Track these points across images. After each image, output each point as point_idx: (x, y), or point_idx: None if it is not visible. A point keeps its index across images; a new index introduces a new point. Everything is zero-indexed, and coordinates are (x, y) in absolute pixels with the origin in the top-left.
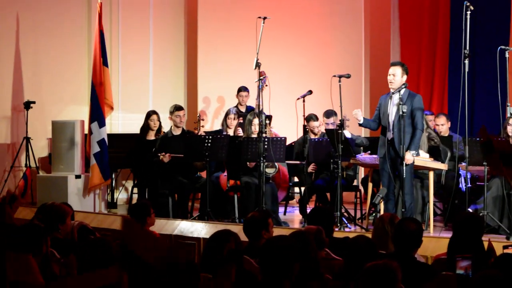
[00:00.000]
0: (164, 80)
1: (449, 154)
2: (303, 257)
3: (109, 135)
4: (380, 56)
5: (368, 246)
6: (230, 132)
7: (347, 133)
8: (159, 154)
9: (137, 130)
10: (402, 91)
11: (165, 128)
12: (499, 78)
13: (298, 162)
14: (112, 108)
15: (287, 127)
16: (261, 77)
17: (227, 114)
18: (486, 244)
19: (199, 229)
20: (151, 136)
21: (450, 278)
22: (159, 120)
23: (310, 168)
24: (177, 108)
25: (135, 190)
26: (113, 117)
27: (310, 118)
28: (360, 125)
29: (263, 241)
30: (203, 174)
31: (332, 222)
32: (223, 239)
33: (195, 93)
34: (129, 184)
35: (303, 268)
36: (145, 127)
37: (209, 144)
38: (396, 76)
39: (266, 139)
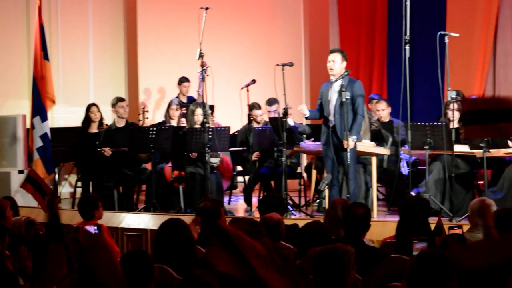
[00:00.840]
0: (105, 72)
1: (390, 139)
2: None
3: (51, 129)
4: (320, 44)
5: (321, 232)
6: (173, 123)
7: (290, 121)
8: (101, 149)
9: (79, 124)
10: (344, 78)
11: (108, 121)
12: (439, 63)
13: (242, 148)
14: (54, 102)
15: (231, 117)
16: (204, 67)
17: (169, 105)
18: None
19: (145, 220)
20: (94, 128)
21: (400, 260)
22: (99, 112)
23: (254, 156)
24: (119, 99)
25: (79, 184)
26: (54, 111)
27: (253, 106)
28: (306, 118)
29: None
30: (148, 166)
31: (283, 209)
32: (175, 228)
33: (136, 85)
34: (73, 178)
35: None
36: (86, 120)
37: (153, 136)
38: (336, 63)
39: (210, 129)
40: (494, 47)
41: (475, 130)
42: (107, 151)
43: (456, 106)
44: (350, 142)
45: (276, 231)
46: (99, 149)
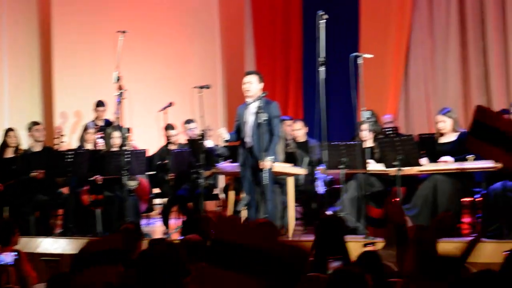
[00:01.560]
0: (20, 96)
1: (306, 159)
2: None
3: None
4: (236, 66)
5: None
6: (89, 147)
7: (210, 143)
8: (32, 172)
9: None
10: (261, 100)
11: (24, 146)
12: (353, 84)
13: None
14: None
15: (149, 139)
16: (121, 91)
17: (85, 129)
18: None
19: (63, 245)
20: (9, 153)
21: (318, 278)
22: (16, 137)
23: (169, 176)
24: (35, 123)
25: None
26: None
27: (167, 127)
28: (226, 141)
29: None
30: (65, 189)
31: (208, 231)
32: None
33: (51, 108)
34: None
35: None
36: (3, 145)
37: (70, 160)
38: (252, 84)
39: (127, 152)
40: (406, 67)
41: (478, 144)
42: (41, 174)
43: (368, 126)
44: (267, 163)
45: (196, 252)
46: (32, 172)
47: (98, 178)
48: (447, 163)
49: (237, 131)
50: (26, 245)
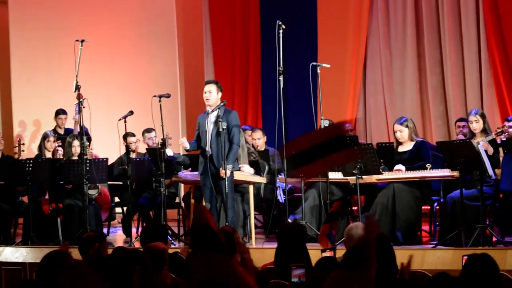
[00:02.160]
0: None
1: (266, 167)
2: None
3: None
4: (195, 75)
5: None
6: (49, 155)
7: (169, 152)
8: None
9: None
10: (221, 109)
11: None
12: (312, 93)
13: (119, 183)
14: None
15: (110, 148)
16: (80, 99)
17: (44, 138)
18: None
19: (24, 254)
20: None
21: (282, 285)
22: None
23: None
24: None
25: None
26: None
27: (126, 135)
28: (187, 150)
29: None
30: (25, 198)
31: (165, 238)
32: (57, 260)
33: (10, 117)
34: None
35: None
36: None
37: (30, 168)
38: (212, 93)
39: (87, 161)
40: (364, 76)
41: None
42: None
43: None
44: (227, 171)
45: (160, 259)
46: None
47: None
48: (400, 171)
49: (198, 140)
50: None
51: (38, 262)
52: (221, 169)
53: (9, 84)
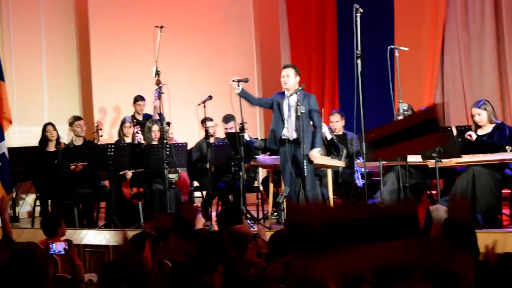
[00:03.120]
0: (59, 92)
1: (344, 151)
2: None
3: (7, 149)
4: (272, 60)
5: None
6: (128, 141)
7: (246, 136)
8: (71, 165)
9: (34, 143)
10: (299, 93)
11: (64, 140)
12: (390, 76)
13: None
14: (10, 122)
15: (188, 133)
16: (160, 85)
17: (122, 123)
18: None
19: (107, 237)
20: (51, 147)
21: None
22: (55, 130)
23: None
24: (76, 118)
25: (38, 202)
26: (9, 131)
27: (204, 119)
28: (238, 94)
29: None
30: (106, 183)
31: (240, 221)
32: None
33: (90, 103)
34: (30, 197)
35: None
36: (43, 140)
37: (111, 153)
38: (290, 77)
39: (167, 145)
40: (442, 60)
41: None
42: (79, 166)
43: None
44: (315, 154)
45: (243, 243)
46: (70, 165)
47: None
48: (471, 137)
49: (260, 101)
50: (70, 237)
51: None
52: (310, 152)
53: (89, 70)
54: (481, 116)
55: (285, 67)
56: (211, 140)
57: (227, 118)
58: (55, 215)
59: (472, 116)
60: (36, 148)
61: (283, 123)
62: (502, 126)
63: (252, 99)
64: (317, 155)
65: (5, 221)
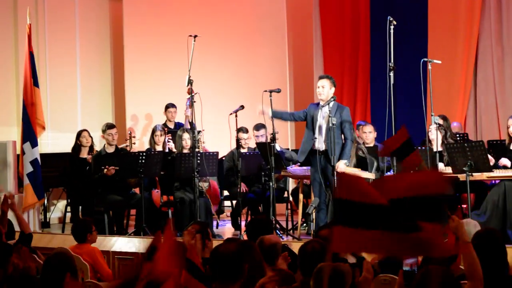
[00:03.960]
0: (92, 99)
1: (375, 163)
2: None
3: (40, 155)
4: (304, 70)
5: (322, 250)
6: (158, 149)
7: (277, 146)
8: (103, 168)
9: (67, 150)
10: (331, 104)
11: (97, 147)
12: (422, 89)
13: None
14: (44, 128)
15: (220, 142)
16: (192, 94)
17: (153, 132)
18: None
19: (136, 244)
20: (84, 154)
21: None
22: (90, 137)
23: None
24: (109, 126)
25: (69, 209)
26: (42, 137)
27: (239, 130)
28: (271, 117)
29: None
30: (137, 190)
31: (270, 231)
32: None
33: (123, 111)
34: (61, 203)
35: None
36: (77, 146)
37: (143, 161)
38: (325, 88)
39: (198, 154)
40: (475, 74)
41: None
42: (111, 170)
43: (439, 130)
44: (341, 166)
45: (273, 253)
46: (102, 168)
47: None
48: (506, 166)
49: (293, 115)
50: (100, 243)
51: None
52: (337, 164)
53: (123, 77)
54: None
55: (321, 77)
56: (245, 149)
57: (258, 126)
58: (86, 221)
59: (508, 127)
60: (69, 154)
61: (314, 133)
62: None
63: (285, 116)
64: (343, 167)
65: (18, 217)
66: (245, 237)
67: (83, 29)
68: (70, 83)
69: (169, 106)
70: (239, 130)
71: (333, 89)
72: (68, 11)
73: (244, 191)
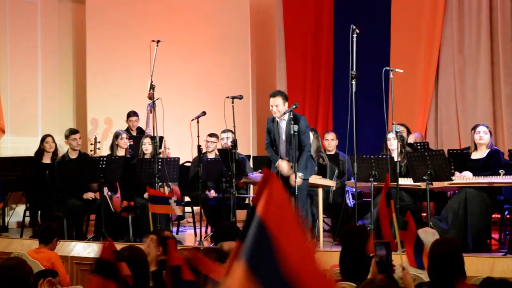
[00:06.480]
0: (53, 103)
1: (336, 171)
2: None
3: None
4: (267, 77)
5: None
6: (122, 153)
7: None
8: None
9: (27, 154)
10: (286, 116)
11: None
12: (384, 98)
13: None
14: (3, 132)
15: (181, 148)
16: (155, 99)
17: (116, 136)
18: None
19: (95, 249)
20: (47, 159)
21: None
22: (54, 142)
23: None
24: (72, 131)
25: (28, 213)
26: (2, 140)
27: (211, 135)
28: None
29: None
30: (97, 195)
31: (234, 238)
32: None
33: (84, 115)
34: (20, 207)
35: None
36: (41, 150)
37: (103, 166)
38: (279, 106)
39: (160, 160)
40: (436, 83)
41: None
42: (90, 195)
43: (397, 139)
44: (297, 179)
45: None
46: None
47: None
48: (464, 178)
49: (270, 143)
50: (59, 248)
51: None
52: (291, 176)
53: (85, 82)
54: (487, 135)
55: (273, 95)
56: (211, 155)
57: (224, 130)
58: (57, 228)
59: (478, 132)
60: (29, 159)
61: (279, 147)
62: (497, 153)
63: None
64: (298, 180)
65: None
66: (205, 243)
67: (45, 33)
68: (31, 87)
69: (131, 114)
70: (210, 135)
71: (286, 104)
72: (30, 15)
73: (212, 197)
